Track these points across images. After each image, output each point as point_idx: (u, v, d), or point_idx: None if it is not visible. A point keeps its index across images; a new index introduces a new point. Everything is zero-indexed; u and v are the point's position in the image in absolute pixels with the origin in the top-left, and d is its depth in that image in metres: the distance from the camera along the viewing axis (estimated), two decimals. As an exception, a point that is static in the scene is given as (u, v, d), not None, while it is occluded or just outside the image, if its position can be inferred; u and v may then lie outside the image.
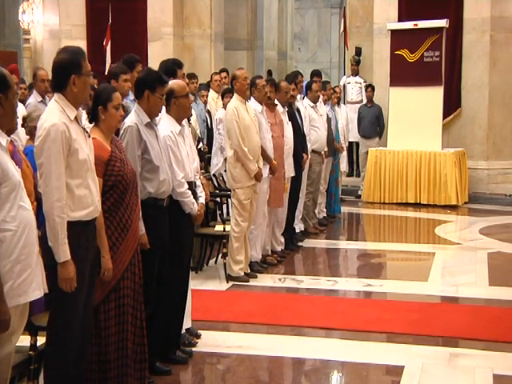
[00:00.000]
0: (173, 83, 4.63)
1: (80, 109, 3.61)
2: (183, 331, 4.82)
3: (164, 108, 4.58)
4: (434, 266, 7.23)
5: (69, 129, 3.39)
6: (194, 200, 4.58)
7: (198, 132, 7.13)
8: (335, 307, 5.85)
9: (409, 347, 4.91)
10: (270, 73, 15.25)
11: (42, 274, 3.19)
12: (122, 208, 3.83)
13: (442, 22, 10.93)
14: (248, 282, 6.54)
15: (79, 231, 3.43)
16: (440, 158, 10.67)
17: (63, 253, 3.34)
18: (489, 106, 11.34)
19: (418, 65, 11.03)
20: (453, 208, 10.43)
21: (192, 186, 4.63)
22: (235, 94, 6.63)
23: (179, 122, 4.64)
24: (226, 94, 8.24)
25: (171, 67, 5.01)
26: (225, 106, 7.54)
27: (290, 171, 7.40)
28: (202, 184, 4.83)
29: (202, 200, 4.71)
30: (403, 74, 11.07)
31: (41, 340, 3.65)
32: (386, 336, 5.24)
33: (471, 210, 10.48)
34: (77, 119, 3.48)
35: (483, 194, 11.17)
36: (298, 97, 8.28)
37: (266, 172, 6.78)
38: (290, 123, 7.43)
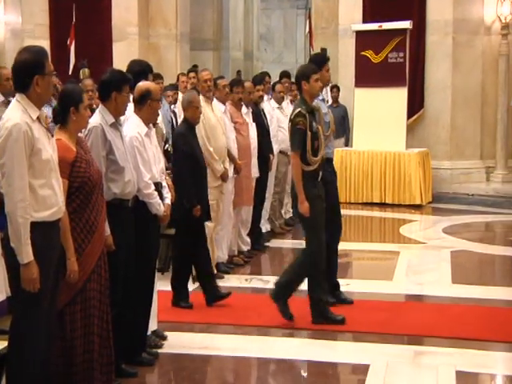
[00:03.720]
0: (150, 84, 4.72)
1: (43, 109, 3.58)
2: (149, 333, 4.80)
3: (130, 108, 4.57)
4: (399, 265, 7.31)
5: (31, 128, 3.37)
6: (160, 201, 4.57)
7: (164, 132, 7.12)
8: (301, 307, 5.86)
9: (374, 346, 4.96)
10: (239, 74, 15.25)
11: (5, 277, 3.15)
12: (88, 209, 3.81)
13: (406, 24, 11.04)
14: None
15: (43, 232, 3.40)
16: (404, 158, 10.79)
17: (26, 254, 3.30)
18: (451, 107, 11.51)
19: (383, 66, 11.12)
20: (417, 207, 10.55)
21: (158, 186, 4.62)
22: (201, 95, 6.63)
23: (147, 123, 4.64)
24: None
25: (144, 69, 5.03)
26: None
27: (255, 172, 7.42)
28: (168, 185, 4.83)
29: (167, 201, 4.71)
30: (368, 75, 11.16)
31: (2, 344, 3.60)
32: (351, 335, 5.29)
33: (435, 209, 10.62)
34: (39, 119, 3.45)
35: (446, 193, 11.32)
36: (266, 98, 8.31)
37: (231, 172, 6.79)
38: (254, 124, 7.45)
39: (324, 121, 5.53)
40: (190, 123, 5.87)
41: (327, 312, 5.38)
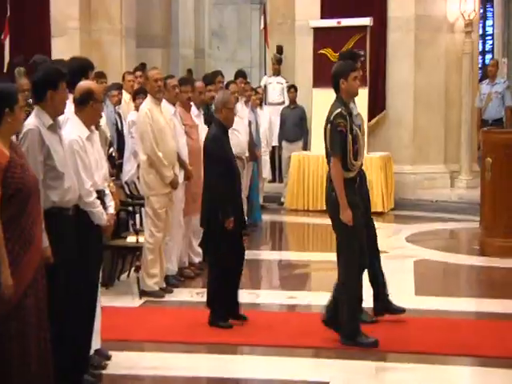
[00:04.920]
0: (91, 84, 4.69)
1: None
2: (92, 352, 4.75)
3: (69, 109, 4.53)
4: (360, 275, 7.38)
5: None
6: (103, 210, 4.55)
7: (108, 136, 7.06)
8: (257, 322, 5.90)
9: (334, 362, 5.01)
10: (190, 72, 15.24)
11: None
12: (24, 219, 3.76)
13: (367, 20, 11.20)
14: (163, 297, 6.51)
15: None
16: (365, 163, 10.78)
17: None
18: (414, 107, 11.68)
19: (342, 65, 11.25)
20: (379, 215, 10.65)
21: (101, 194, 4.59)
22: (148, 96, 6.62)
23: (88, 126, 4.61)
24: (137, 95, 8.19)
25: (85, 66, 5.01)
26: (137, 108, 7.50)
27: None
28: (112, 193, 4.80)
29: (111, 210, 4.68)
30: (327, 74, 11.05)
31: None
32: (310, 351, 5.34)
33: (397, 216, 10.77)
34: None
35: (409, 199, 11.48)
36: (218, 98, 8.32)
37: (181, 178, 6.78)
38: (205, 127, 7.46)
39: (355, 123, 5.42)
40: (224, 126, 5.82)
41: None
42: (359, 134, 5.31)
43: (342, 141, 5.16)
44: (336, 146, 5.17)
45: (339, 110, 5.22)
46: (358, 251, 5.26)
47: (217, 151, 5.70)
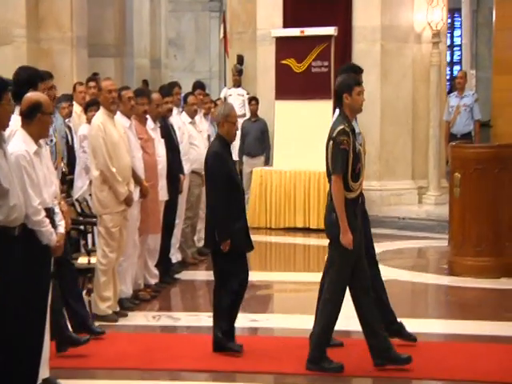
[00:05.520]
0: (39, 96, 4.65)
1: None
2: (40, 382, 4.68)
3: (16, 122, 4.50)
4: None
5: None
6: (52, 229, 4.50)
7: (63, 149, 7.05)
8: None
9: (298, 388, 5.02)
10: (145, 83, 15.22)
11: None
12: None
13: (331, 30, 11.32)
14: (117, 321, 6.46)
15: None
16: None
17: None
18: (381, 121, 11.77)
19: (306, 76, 11.35)
20: (345, 233, 10.74)
21: (50, 213, 4.55)
22: (101, 108, 6.59)
23: (36, 140, 4.58)
24: (89, 107, 8.14)
25: (33, 77, 4.97)
26: (89, 121, 7.46)
27: (163, 194, 7.41)
28: (62, 211, 4.76)
29: (61, 229, 4.64)
30: (290, 86, 11.36)
31: None
32: (273, 377, 5.34)
33: (364, 234, 10.84)
34: None
35: (376, 216, 11.50)
36: (176, 111, 8.33)
37: (136, 195, 6.75)
38: (162, 141, 7.45)
39: (358, 141, 5.39)
40: (226, 141, 5.76)
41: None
42: (362, 152, 5.31)
43: (345, 159, 5.15)
44: (338, 164, 5.16)
45: (342, 126, 5.20)
46: (349, 275, 5.27)
47: (219, 168, 5.63)
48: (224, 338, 5.61)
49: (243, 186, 5.86)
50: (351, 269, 5.27)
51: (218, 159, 5.67)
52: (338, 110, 5.60)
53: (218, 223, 5.58)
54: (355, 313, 5.34)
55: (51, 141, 5.81)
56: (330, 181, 5.27)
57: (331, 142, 5.20)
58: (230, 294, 5.64)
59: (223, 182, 5.61)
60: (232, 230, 5.58)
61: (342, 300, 5.30)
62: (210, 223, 5.76)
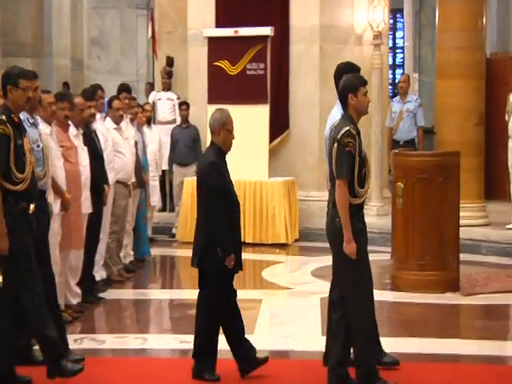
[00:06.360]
0: None
1: None
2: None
3: None
4: (261, 314, 7.49)
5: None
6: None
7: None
8: (146, 370, 5.88)
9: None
10: (66, 86, 15.08)
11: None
12: None
13: (267, 30, 11.42)
14: (34, 346, 6.37)
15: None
16: (267, 189, 11.06)
17: None
18: (320, 127, 11.86)
19: (241, 79, 11.42)
20: (282, 247, 10.83)
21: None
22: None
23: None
24: (5, 112, 8.05)
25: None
26: None
27: (86, 207, 7.36)
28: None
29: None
30: (223, 90, 11.40)
31: None
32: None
33: (302, 248, 10.96)
34: None
35: (315, 229, 11.64)
36: (99, 116, 8.30)
37: (57, 208, 6.69)
38: (85, 148, 7.41)
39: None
40: (222, 150, 5.72)
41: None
42: (367, 156, 5.35)
43: (351, 163, 5.17)
44: (343, 168, 5.16)
45: (347, 128, 5.20)
46: (365, 277, 5.34)
47: (215, 179, 5.60)
48: (200, 366, 5.62)
49: (238, 200, 5.83)
50: (364, 274, 5.34)
51: (215, 170, 5.64)
52: (334, 110, 5.73)
53: (221, 238, 5.55)
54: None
55: (38, 146, 5.76)
56: (332, 186, 5.29)
57: (336, 145, 5.20)
58: (217, 317, 5.66)
59: (219, 193, 5.58)
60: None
61: (370, 305, 5.35)
62: (202, 239, 5.71)
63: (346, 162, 5.15)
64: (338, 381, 5.28)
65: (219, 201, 5.57)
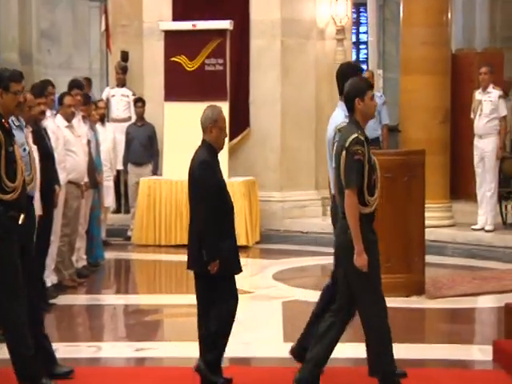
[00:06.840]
0: None
1: None
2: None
3: None
4: (221, 321, 7.48)
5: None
6: None
7: None
8: (99, 380, 5.85)
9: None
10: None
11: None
12: None
13: (226, 24, 11.43)
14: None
15: None
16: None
17: None
18: (281, 124, 11.95)
19: (199, 75, 11.43)
20: (242, 249, 10.81)
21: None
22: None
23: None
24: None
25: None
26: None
27: (36, 208, 7.28)
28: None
29: None
30: (181, 86, 11.39)
31: None
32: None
33: (263, 250, 10.99)
34: None
35: (277, 231, 11.72)
36: (49, 113, 8.24)
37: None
38: (35, 147, 7.35)
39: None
40: (214, 149, 5.66)
41: None
42: (377, 163, 5.34)
43: (360, 171, 5.16)
44: (352, 177, 5.14)
45: (355, 135, 5.18)
46: (381, 292, 5.30)
47: (208, 179, 5.55)
48: (208, 370, 5.58)
49: (231, 200, 5.76)
50: (380, 288, 5.30)
51: (207, 169, 5.60)
52: (336, 111, 5.75)
53: (207, 240, 5.52)
54: None
55: (24, 150, 5.64)
56: (341, 195, 5.27)
57: (344, 153, 5.19)
58: (217, 321, 5.63)
59: (213, 193, 5.55)
60: (221, 249, 5.54)
61: (384, 312, 5.33)
62: (194, 240, 5.69)
63: (355, 170, 5.16)
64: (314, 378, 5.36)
65: (210, 201, 5.54)
